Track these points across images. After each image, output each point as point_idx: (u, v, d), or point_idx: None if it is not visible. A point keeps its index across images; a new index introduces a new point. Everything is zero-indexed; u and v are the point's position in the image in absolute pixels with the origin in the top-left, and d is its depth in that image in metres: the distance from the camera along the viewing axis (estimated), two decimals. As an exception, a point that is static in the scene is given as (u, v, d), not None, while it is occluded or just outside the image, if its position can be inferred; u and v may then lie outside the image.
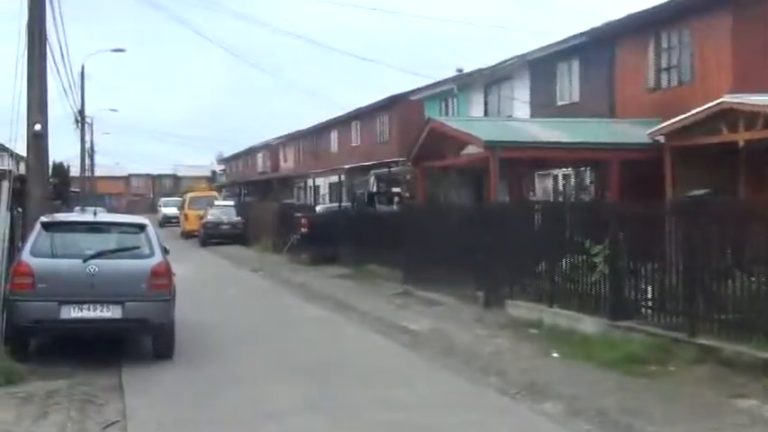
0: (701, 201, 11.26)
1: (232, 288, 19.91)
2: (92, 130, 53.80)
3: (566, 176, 21.36)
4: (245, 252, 32.13)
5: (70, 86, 25.44)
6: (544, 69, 23.01)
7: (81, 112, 42.03)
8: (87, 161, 51.06)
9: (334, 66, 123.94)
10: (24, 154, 15.17)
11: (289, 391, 9.23)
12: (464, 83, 28.18)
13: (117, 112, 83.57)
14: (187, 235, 40.85)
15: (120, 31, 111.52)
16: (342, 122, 43.74)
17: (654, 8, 17.88)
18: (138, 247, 10.80)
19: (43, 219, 11.29)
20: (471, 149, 17.72)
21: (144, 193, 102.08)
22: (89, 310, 10.20)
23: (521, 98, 24.17)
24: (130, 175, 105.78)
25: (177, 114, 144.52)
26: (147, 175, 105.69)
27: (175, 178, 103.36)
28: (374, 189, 33.14)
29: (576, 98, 21.86)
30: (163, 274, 10.64)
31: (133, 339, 11.46)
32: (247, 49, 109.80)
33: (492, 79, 26.23)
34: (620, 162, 16.61)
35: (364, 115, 40.44)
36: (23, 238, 11.67)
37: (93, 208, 13.61)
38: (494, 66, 25.64)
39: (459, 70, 29.77)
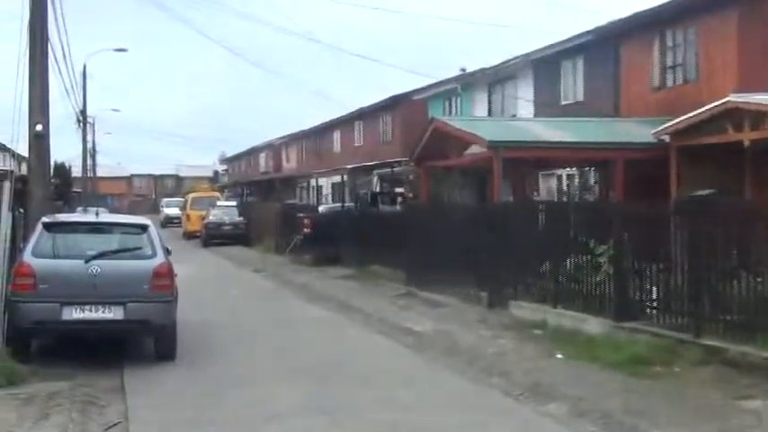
0: (706, 201, 11.22)
1: (234, 289, 19.88)
2: (93, 131, 53.94)
3: (570, 176, 21.31)
4: (247, 253, 32.11)
5: (72, 86, 25.45)
6: (548, 68, 22.96)
7: (83, 111, 42.08)
8: (89, 161, 51.05)
9: (337, 65, 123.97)
10: (26, 154, 15.13)
11: (291, 392, 9.21)
12: (467, 82, 28.13)
13: (119, 112, 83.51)
14: (189, 235, 40.83)
15: (122, 31, 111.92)
16: (345, 122, 43.70)
17: (659, 6, 17.82)
18: (140, 248, 10.77)
19: (45, 219, 11.27)
20: (475, 149, 17.67)
21: (146, 193, 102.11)
22: (91, 311, 10.17)
23: (524, 97, 24.12)
24: (132, 176, 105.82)
25: (179, 114, 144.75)
26: (150, 175, 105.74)
27: (177, 178, 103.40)
28: (377, 189, 33.12)
29: (580, 97, 21.80)
30: (165, 275, 10.61)
31: (135, 340, 11.43)
32: (250, 48, 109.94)
33: (495, 78, 26.18)
34: (624, 162, 16.55)
35: (367, 115, 40.39)
36: (25, 239, 11.63)
37: (94, 208, 13.56)
38: (497, 65, 25.59)
39: (463, 70, 29.71)
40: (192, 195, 46.16)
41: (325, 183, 44.13)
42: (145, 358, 10.90)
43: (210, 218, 37.18)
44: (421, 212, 19.46)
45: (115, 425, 7.92)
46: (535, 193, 21.84)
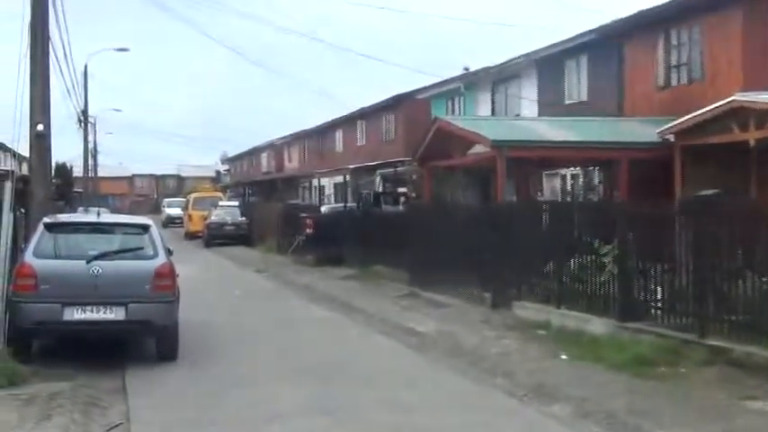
0: (711, 200, 11.17)
1: (236, 289, 19.85)
2: (95, 131, 53.90)
3: (574, 176, 21.26)
4: (249, 253, 32.10)
5: (73, 86, 25.37)
6: (552, 67, 22.91)
7: (84, 111, 42.04)
8: (90, 161, 51.03)
9: (340, 65, 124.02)
10: (27, 154, 15.09)
11: (293, 392, 9.19)
12: (471, 81, 28.08)
13: (120, 112, 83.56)
14: (191, 236, 40.83)
15: (124, 31, 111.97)
16: (347, 122, 43.66)
17: (663, 5, 17.74)
18: (141, 248, 10.75)
19: (46, 220, 11.25)
20: (478, 149, 17.61)
21: (147, 193, 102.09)
22: (92, 311, 10.15)
23: (528, 97, 24.06)
24: (134, 176, 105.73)
25: (181, 114, 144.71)
26: (151, 175, 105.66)
27: (179, 178, 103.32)
28: (380, 189, 33.09)
29: (584, 97, 21.74)
30: (167, 276, 10.58)
31: (137, 341, 11.41)
32: (252, 48, 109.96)
33: (499, 78, 26.13)
34: (628, 161, 16.48)
35: (370, 114, 40.34)
36: (26, 239, 11.61)
37: (96, 209, 13.54)
38: (501, 64, 25.53)
39: (466, 69, 29.65)
40: (193, 195, 46.15)
41: (328, 183, 44.09)
42: (146, 359, 10.88)
43: (212, 218, 37.16)
44: (424, 212, 19.42)
45: (117, 426, 7.90)
46: (539, 193, 21.80)
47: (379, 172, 34.12)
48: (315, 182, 45.43)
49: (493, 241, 14.95)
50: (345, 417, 8.19)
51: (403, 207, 25.86)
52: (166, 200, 65.27)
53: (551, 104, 22.63)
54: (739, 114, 13.97)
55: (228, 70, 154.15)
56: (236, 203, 42.13)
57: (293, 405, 8.57)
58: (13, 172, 11.52)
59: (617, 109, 19.88)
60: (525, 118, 22.06)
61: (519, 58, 24.21)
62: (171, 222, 52.73)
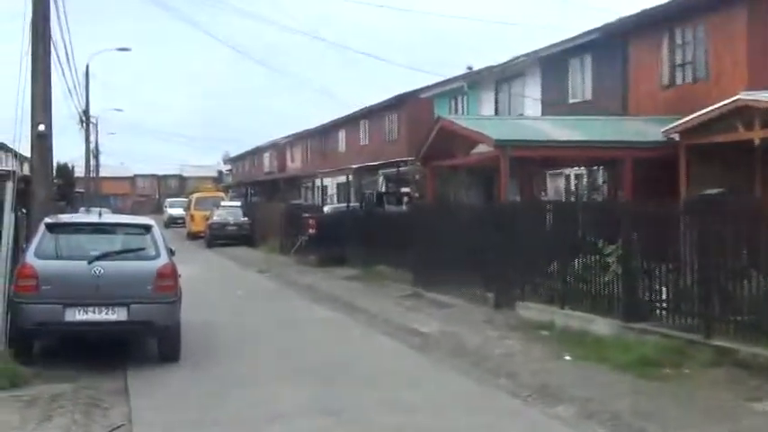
0: (716, 200, 11.12)
1: (238, 289, 19.83)
2: (96, 131, 53.85)
3: (578, 176, 21.20)
4: (251, 253, 32.07)
5: (75, 86, 25.38)
6: (556, 66, 22.84)
7: (86, 111, 42.03)
8: (92, 161, 51.04)
9: (342, 64, 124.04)
10: (28, 154, 15.06)
11: (295, 392, 9.16)
12: (474, 81, 28.02)
13: (122, 112, 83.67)
14: (193, 236, 40.82)
15: (125, 31, 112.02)
16: (350, 121, 43.61)
17: (668, 4, 17.70)
18: (143, 249, 10.71)
19: (47, 220, 11.22)
20: (482, 148, 17.57)
21: (149, 193, 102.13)
22: (94, 312, 10.11)
23: (532, 96, 24.00)
24: (136, 176, 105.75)
25: (183, 114, 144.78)
26: (153, 175, 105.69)
27: (181, 179, 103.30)
28: (383, 189, 33.03)
29: (588, 96, 21.68)
30: (169, 276, 10.54)
31: (138, 342, 11.37)
32: (254, 47, 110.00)
33: (503, 77, 26.06)
34: (633, 161, 16.43)
35: (373, 114, 40.30)
36: (27, 240, 11.58)
37: (97, 209, 13.51)
38: (504, 63, 25.47)
39: (470, 68, 29.58)
40: (195, 195, 46.12)
41: (331, 183, 44.06)
42: (148, 359, 10.84)
43: (215, 218, 37.11)
44: (427, 212, 19.38)
45: (119, 427, 7.88)
46: (543, 193, 21.74)
47: (381, 172, 34.06)
48: (317, 182, 45.41)
49: (496, 241, 14.91)
50: (348, 417, 8.16)
51: (406, 207, 25.81)
52: (168, 200, 65.28)
53: (555, 104, 22.56)
54: (744, 113, 13.91)
55: (230, 70, 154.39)
56: (239, 203, 42.09)
57: (295, 406, 8.55)
58: (14, 172, 11.50)
59: (621, 108, 19.82)
60: (529, 117, 22.02)
61: (522, 57, 24.15)
62: (173, 223, 52.73)
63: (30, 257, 10.29)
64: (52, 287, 10.01)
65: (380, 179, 34.74)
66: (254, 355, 11.49)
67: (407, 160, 27.87)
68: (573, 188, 21.19)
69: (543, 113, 22.77)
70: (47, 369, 9.87)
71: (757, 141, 13.77)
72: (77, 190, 50.93)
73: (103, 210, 12.92)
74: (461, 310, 14.87)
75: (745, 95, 13.90)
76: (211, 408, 8.51)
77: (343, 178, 39.08)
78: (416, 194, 25.77)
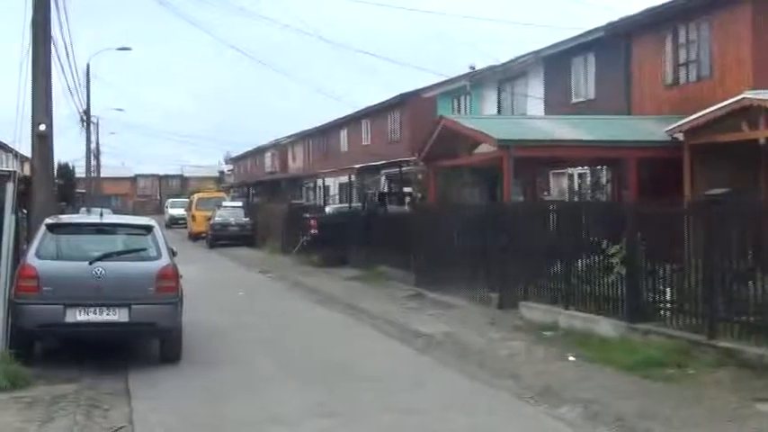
0: (721, 200, 11.05)
1: (240, 290, 19.78)
2: (97, 131, 53.77)
3: (581, 175, 21.14)
4: (253, 254, 32.04)
5: (75, 86, 25.35)
6: (559, 66, 22.77)
7: (86, 111, 41.96)
8: (93, 162, 50.99)
9: (345, 63, 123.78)
10: (29, 155, 15.02)
11: (298, 394, 9.14)
12: (477, 80, 27.95)
13: (123, 112, 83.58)
14: (195, 236, 40.81)
15: (127, 30, 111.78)
16: (352, 121, 43.57)
17: (671, 2, 17.64)
18: (144, 249, 10.67)
19: (48, 220, 11.17)
20: (484, 148, 17.51)
21: (151, 193, 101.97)
22: (95, 313, 10.07)
23: (535, 95, 23.93)
24: (137, 176, 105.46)
25: (184, 114, 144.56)
26: (154, 175, 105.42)
27: (182, 179, 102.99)
28: (385, 189, 32.97)
29: (591, 95, 21.61)
30: (170, 277, 10.50)
31: (140, 343, 11.34)
32: (256, 47, 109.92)
33: (505, 76, 25.98)
34: (637, 160, 16.37)
35: (375, 113, 40.25)
36: (28, 241, 11.54)
37: (98, 209, 13.47)
38: (507, 62, 25.40)
39: (472, 67, 29.53)
40: (197, 196, 46.07)
41: (333, 183, 43.98)
42: (150, 361, 10.81)
43: (216, 218, 37.06)
44: (429, 213, 19.34)
45: (120, 428, 7.86)
46: (546, 193, 21.68)
47: (384, 172, 33.97)
48: (319, 182, 45.32)
49: (499, 242, 14.85)
50: (351, 419, 8.14)
51: (408, 207, 25.75)
52: (170, 200, 65.24)
53: (558, 103, 22.50)
54: (749, 112, 13.84)
55: (232, 69, 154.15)
56: (240, 204, 42.02)
57: (298, 407, 8.52)
58: (15, 172, 11.42)
59: (625, 107, 19.74)
60: (532, 117, 21.93)
61: (525, 56, 24.08)
62: (174, 223, 52.72)
63: (30, 258, 10.25)
64: (53, 288, 9.97)
65: (383, 179, 34.67)
66: (256, 356, 11.45)
67: (410, 160, 27.76)
68: (576, 188, 21.12)
69: (546, 113, 22.70)
70: (48, 370, 9.84)
71: (762, 141, 13.70)
72: (78, 190, 50.96)
73: (104, 210, 12.90)
74: (464, 311, 14.82)
75: (749, 94, 13.83)
76: (213, 409, 8.48)
77: (345, 178, 38.98)
78: (419, 194, 25.71)
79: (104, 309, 10.07)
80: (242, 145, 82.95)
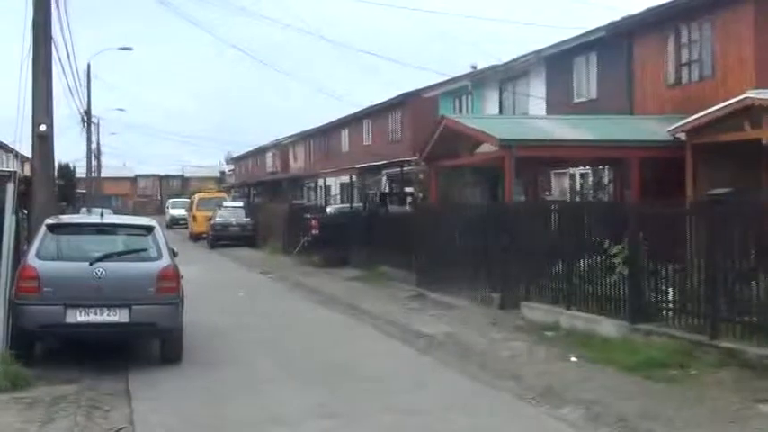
0: (723, 200, 11.02)
1: (241, 291, 19.75)
2: (98, 131, 53.70)
3: (583, 175, 21.10)
4: (254, 254, 32.03)
5: (76, 86, 25.31)
6: (561, 65, 22.73)
7: (87, 112, 41.92)
8: (93, 162, 50.93)
9: (346, 63, 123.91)
10: (29, 155, 15.01)
11: (299, 395, 9.13)
12: (479, 80, 27.93)
13: (124, 112, 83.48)
14: (195, 237, 40.79)
15: (128, 30, 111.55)
16: (353, 121, 43.54)
17: (674, 1, 17.59)
18: (145, 250, 10.66)
19: (49, 221, 11.16)
20: (486, 148, 17.48)
21: (151, 194, 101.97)
22: (96, 313, 10.06)
23: (537, 95, 23.90)
24: (137, 176, 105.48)
25: (185, 114, 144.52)
26: (155, 175, 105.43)
27: (183, 179, 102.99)
28: (386, 189, 32.94)
29: (593, 95, 21.57)
30: (171, 277, 10.49)
31: (140, 343, 11.32)
32: (257, 47, 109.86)
33: (507, 76, 25.95)
34: (639, 160, 16.34)
35: (376, 113, 40.22)
36: (29, 241, 11.52)
37: (99, 209, 13.45)
38: (509, 62, 25.37)
39: (474, 67, 29.52)
40: (198, 196, 46.03)
41: (334, 183, 43.97)
42: (150, 361, 10.80)
43: (217, 219, 37.03)
44: (431, 213, 19.31)
45: (121, 429, 7.85)
46: (548, 193, 21.65)
47: (385, 172, 33.94)
48: (320, 182, 45.30)
49: (501, 242, 14.82)
50: (353, 420, 8.12)
51: (409, 207, 25.72)
52: (170, 200, 65.22)
53: (560, 103, 22.46)
54: (751, 112, 13.81)
55: (233, 69, 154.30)
56: (241, 204, 42.00)
57: (299, 408, 8.51)
58: (15, 173, 11.41)
59: (627, 107, 19.69)
60: (534, 116, 21.89)
61: (527, 56, 24.05)
62: (175, 223, 52.69)
63: (31, 259, 10.24)
64: (53, 288, 9.96)
65: (384, 179, 34.64)
66: (257, 356, 11.43)
67: (411, 160, 27.74)
68: (578, 188, 21.09)
69: (548, 113, 22.66)
70: (48, 371, 9.82)
71: (765, 140, 13.65)
72: (79, 190, 50.94)
73: (105, 210, 12.88)
74: (466, 311, 14.80)
75: (752, 94, 13.79)
76: (214, 410, 8.47)
77: (346, 178, 38.97)
78: (420, 195, 25.69)
79: (105, 309, 10.05)
80: (243, 145, 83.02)
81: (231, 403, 8.74)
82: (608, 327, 11.52)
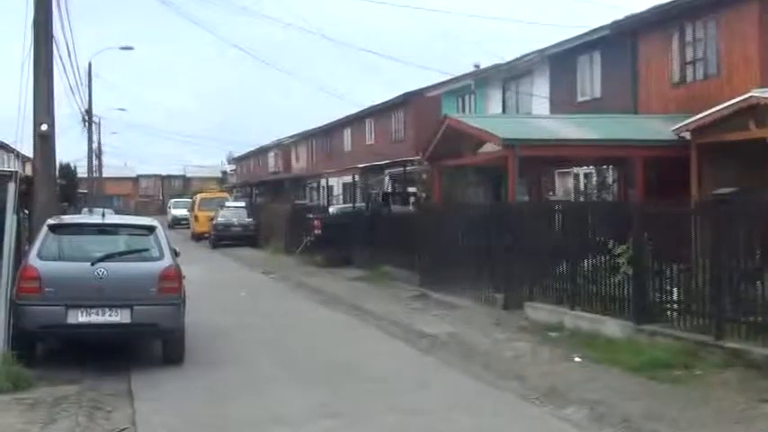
0: (728, 199, 10.97)
1: (243, 291, 19.74)
2: (99, 130, 53.63)
3: (587, 175, 21.04)
4: (256, 254, 32.03)
5: (77, 85, 25.26)
6: (564, 64, 22.67)
7: (88, 111, 41.87)
8: (95, 162, 50.89)
9: (348, 62, 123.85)
10: (31, 155, 14.98)
11: (302, 395, 9.11)
12: (482, 79, 27.86)
13: (125, 112, 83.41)
14: (197, 237, 40.80)
15: (129, 30, 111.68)
16: (355, 120, 43.50)
17: (678, 0, 17.51)
18: (147, 250, 10.64)
19: (50, 221, 11.13)
20: (489, 147, 17.43)
21: (153, 194, 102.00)
22: (97, 314, 10.04)
23: (540, 94, 23.84)
24: (139, 176, 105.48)
25: (186, 113, 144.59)
26: (156, 175, 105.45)
27: (185, 179, 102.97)
28: (389, 189, 32.91)
29: (597, 94, 21.51)
30: (173, 278, 10.46)
31: (142, 344, 11.30)
32: (259, 47, 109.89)
33: (510, 75, 25.89)
34: (643, 159, 16.28)
35: (378, 113, 40.18)
36: (30, 241, 11.49)
37: (100, 209, 13.43)
38: (512, 61, 25.31)
39: (477, 66, 29.44)
40: (200, 196, 46.03)
41: (336, 183, 43.97)
42: (152, 362, 10.77)
43: (219, 219, 37.03)
44: (434, 212, 19.27)
45: (123, 430, 7.83)
46: (551, 193, 21.60)
47: (387, 171, 33.91)
48: (323, 182, 45.29)
49: (504, 242, 14.78)
50: (355, 420, 8.10)
51: (412, 207, 25.69)
52: (172, 200, 65.25)
53: (563, 102, 22.40)
54: (756, 111, 13.74)
55: (235, 69, 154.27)
56: (243, 204, 41.99)
57: (302, 408, 8.49)
58: (16, 173, 11.38)
59: (631, 106, 19.63)
60: (537, 116, 21.84)
61: (531, 54, 23.99)
62: (177, 223, 52.70)
63: (32, 259, 10.21)
64: (55, 289, 9.93)
65: (386, 179, 34.61)
66: (259, 357, 11.41)
67: (414, 160, 27.70)
68: (582, 188, 21.04)
69: (551, 112, 22.61)
70: (50, 371, 9.80)
71: (770, 140, 13.61)
72: (80, 190, 50.93)
73: (106, 210, 12.85)
74: (469, 312, 14.77)
75: (757, 93, 13.73)
76: (216, 411, 8.45)
77: (348, 178, 38.96)
78: (423, 194, 25.66)
79: (106, 310, 10.02)
80: (245, 145, 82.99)
81: (233, 403, 8.72)
82: (612, 327, 11.48)
